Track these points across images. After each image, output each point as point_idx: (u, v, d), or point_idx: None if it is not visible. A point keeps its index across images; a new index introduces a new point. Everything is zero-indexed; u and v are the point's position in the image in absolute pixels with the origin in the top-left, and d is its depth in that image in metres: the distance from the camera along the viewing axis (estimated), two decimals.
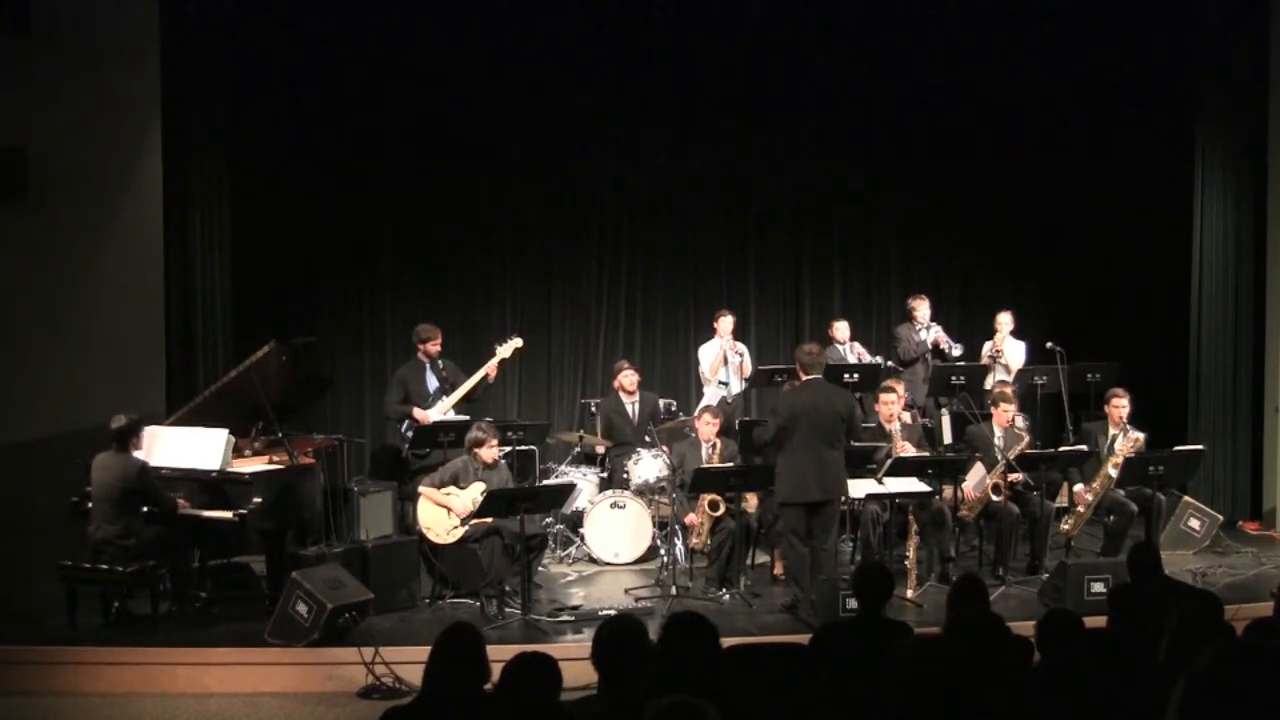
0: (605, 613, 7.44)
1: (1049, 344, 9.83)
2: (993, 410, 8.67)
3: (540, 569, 8.49)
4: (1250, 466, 10.29)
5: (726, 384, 9.93)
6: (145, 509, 7.42)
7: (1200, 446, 9.32)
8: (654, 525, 8.78)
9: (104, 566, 7.28)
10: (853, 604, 6.13)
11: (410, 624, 7.55)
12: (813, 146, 11.21)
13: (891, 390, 8.68)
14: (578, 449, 9.82)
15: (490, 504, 7.52)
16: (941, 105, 11.07)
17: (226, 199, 9.77)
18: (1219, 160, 10.31)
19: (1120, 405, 8.70)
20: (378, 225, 10.76)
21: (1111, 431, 8.73)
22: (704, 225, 11.34)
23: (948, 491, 8.36)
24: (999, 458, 8.35)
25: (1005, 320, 10.30)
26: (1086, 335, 10.32)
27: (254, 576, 8.14)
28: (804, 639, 5.21)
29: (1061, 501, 8.76)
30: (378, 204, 10.68)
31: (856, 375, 9.43)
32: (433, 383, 9.17)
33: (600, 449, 9.58)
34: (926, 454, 8.58)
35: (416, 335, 9.23)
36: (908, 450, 8.44)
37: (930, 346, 10.29)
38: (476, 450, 7.94)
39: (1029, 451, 8.45)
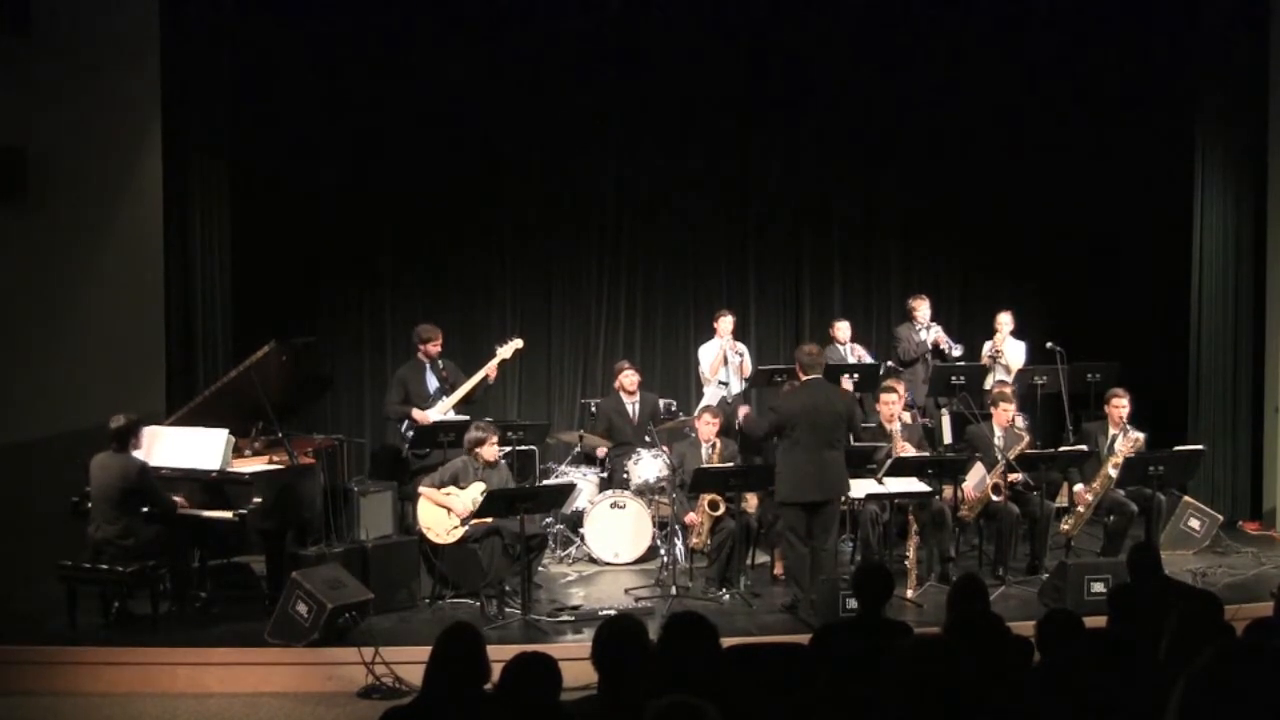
0: (605, 613, 7.44)
1: (1049, 344, 9.83)
2: (993, 410, 8.67)
3: (540, 569, 8.49)
4: (1250, 466, 10.30)
5: (726, 384, 9.93)
6: (145, 509, 7.41)
7: (1200, 446, 9.32)
8: (654, 525, 8.78)
9: (104, 566, 7.28)
10: (853, 604, 6.13)
11: (410, 624, 7.55)
12: (813, 146, 11.21)
13: (892, 390, 8.68)
14: (578, 449, 9.82)
15: (490, 504, 7.52)
16: (941, 105, 11.07)
17: (226, 199, 9.77)
18: (1219, 160, 10.31)
19: (1120, 405, 8.70)
20: (378, 225, 10.76)
21: (1111, 431, 8.74)
22: (704, 225, 11.34)
23: (948, 491, 8.37)
24: (999, 458, 8.35)
25: (1005, 320, 10.30)
26: (1086, 335, 10.32)
27: (254, 576, 8.14)
28: (804, 639, 5.21)
29: (1061, 501, 8.76)
30: (378, 204, 10.68)
31: (856, 375, 9.43)
32: (433, 383, 9.17)
33: (601, 450, 9.57)
34: (926, 454, 8.58)
35: (417, 335, 9.23)
36: (908, 450, 8.44)
37: (930, 346, 10.29)
38: (478, 449, 7.94)
39: (1029, 451, 8.45)
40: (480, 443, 7.95)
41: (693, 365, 10.57)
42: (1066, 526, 8.52)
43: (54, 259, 8.81)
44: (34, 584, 7.93)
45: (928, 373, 10.13)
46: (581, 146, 11.04)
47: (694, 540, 8.35)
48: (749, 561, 8.56)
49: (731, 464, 8.43)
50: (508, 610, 7.57)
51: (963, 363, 10.10)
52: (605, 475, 9.51)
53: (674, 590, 7.90)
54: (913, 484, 8.04)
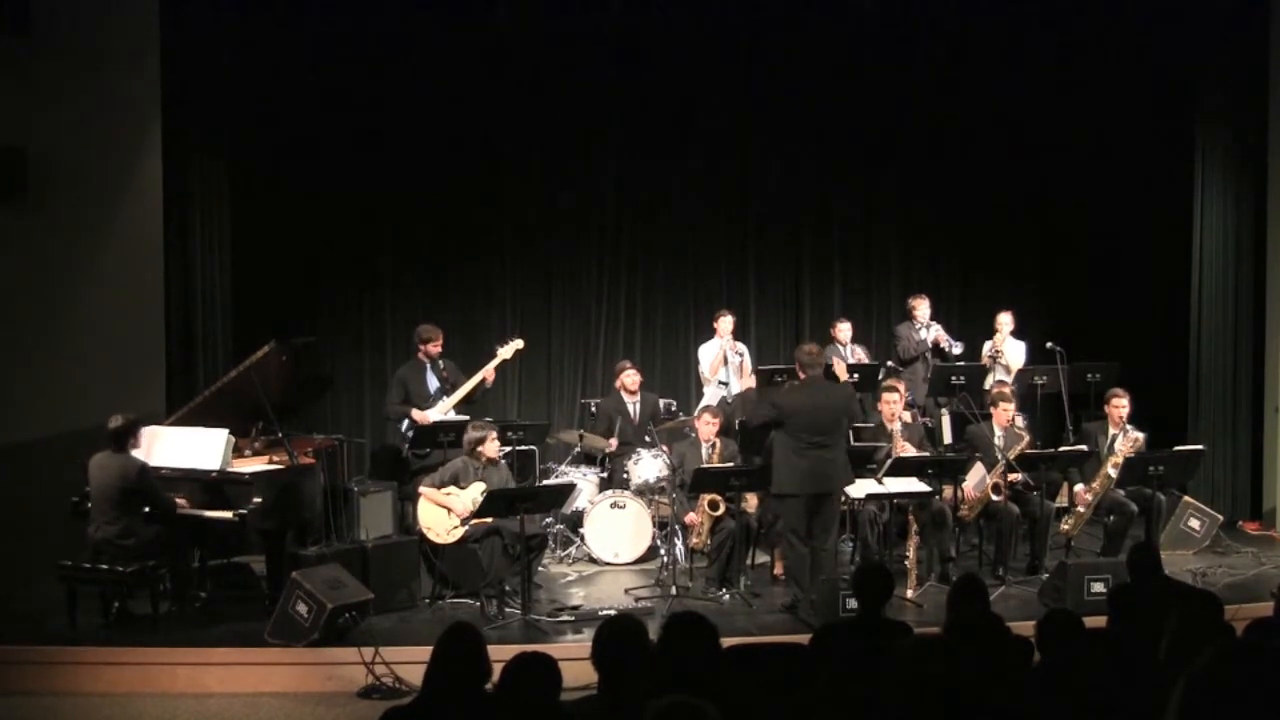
0: (605, 613, 7.44)
1: (1049, 344, 9.83)
2: (992, 410, 8.68)
3: (540, 569, 8.49)
4: (1250, 466, 10.29)
5: (726, 384, 9.93)
6: (145, 509, 7.41)
7: (1200, 446, 9.31)
8: (654, 525, 8.78)
9: (104, 566, 7.28)
10: (853, 604, 6.13)
11: (410, 624, 7.55)
12: (813, 147, 11.21)
13: (894, 390, 8.68)
14: (578, 449, 9.82)
15: (490, 504, 7.53)
16: (942, 105, 11.07)
17: (226, 199, 9.78)
18: (1219, 160, 10.31)
19: (1120, 405, 8.70)
20: (378, 225, 10.76)
21: (1111, 431, 8.74)
22: (704, 225, 11.34)
23: (948, 491, 8.37)
24: (999, 457, 8.35)
25: (1005, 320, 10.30)
26: (1086, 335, 10.32)
27: (254, 576, 8.14)
28: (804, 639, 5.21)
29: (1061, 501, 8.76)
30: (378, 204, 10.68)
31: (856, 375, 9.42)
32: (433, 383, 9.17)
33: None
34: (926, 454, 8.59)
35: (417, 336, 9.23)
36: (908, 450, 8.44)
37: (930, 345, 10.29)
38: (479, 449, 7.94)
39: (1029, 451, 8.45)
40: (480, 441, 7.95)
41: (693, 365, 10.57)
42: (1066, 526, 8.53)
43: (54, 259, 8.81)
44: (34, 584, 7.93)
45: (928, 372, 10.14)
46: (581, 147, 11.04)
47: (694, 540, 8.35)
48: (749, 561, 8.56)
49: (731, 464, 8.43)
50: (508, 610, 7.57)
51: (963, 363, 10.10)
52: (605, 475, 9.51)
53: (674, 590, 7.90)
54: (913, 484, 8.05)
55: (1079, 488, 8.52)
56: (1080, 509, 8.49)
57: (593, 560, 9.00)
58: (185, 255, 9.52)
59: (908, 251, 11.56)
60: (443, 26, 10.49)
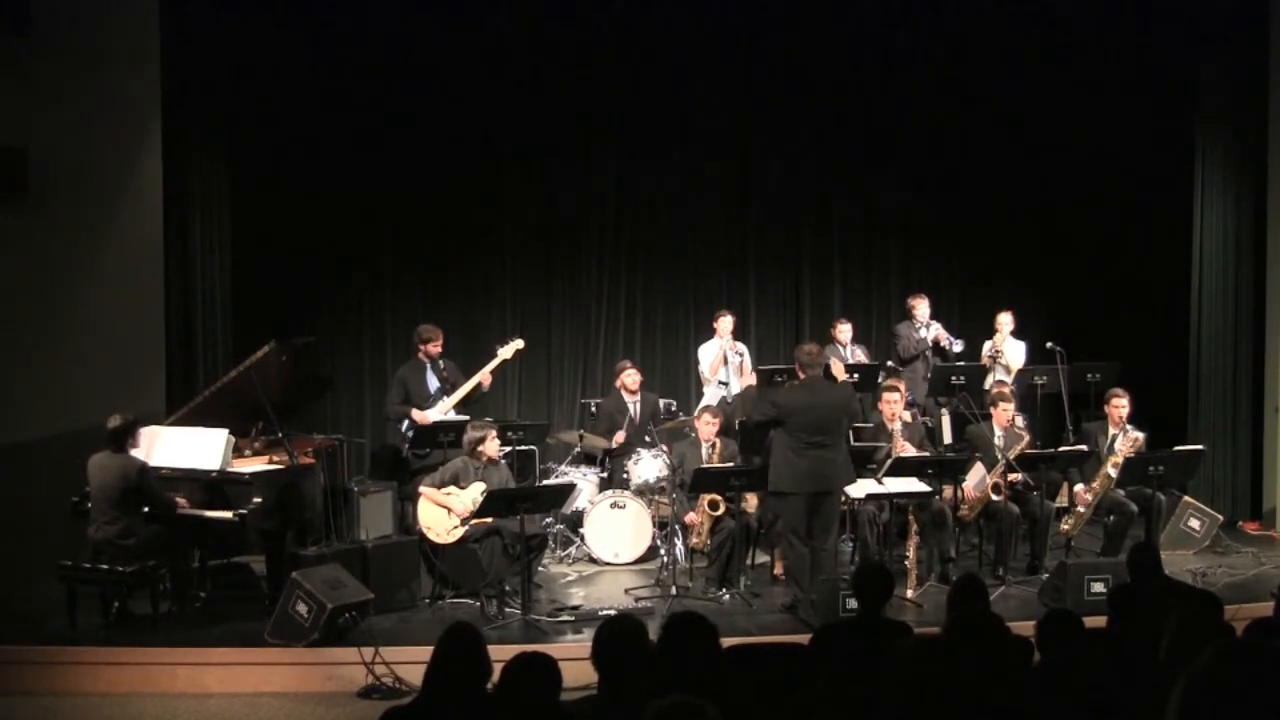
0: (605, 613, 7.44)
1: (1049, 344, 9.84)
2: (992, 410, 8.68)
3: (540, 569, 8.49)
4: (1250, 466, 10.30)
5: (726, 384, 9.93)
6: (145, 509, 7.41)
7: (1200, 446, 9.32)
8: (654, 525, 8.78)
9: (104, 566, 7.28)
10: (853, 604, 6.14)
11: (410, 624, 7.55)
12: (813, 146, 11.21)
13: (895, 389, 8.69)
14: (578, 449, 9.82)
15: (490, 504, 7.53)
16: (942, 105, 11.07)
17: (226, 199, 9.78)
18: (1219, 160, 10.31)
19: (1120, 405, 8.71)
20: (378, 225, 10.76)
21: (1111, 431, 8.74)
22: (704, 225, 11.34)
23: (948, 491, 8.37)
24: (999, 457, 8.35)
25: (1005, 320, 10.30)
26: (1086, 335, 10.33)
27: (254, 576, 8.14)
28: (804, 639, 5.21)
29: (1061, 501, 8.76)
30: (378, 204, 10.68)
31: (856, 375, 9.43)
32: (433, 383, 9.17)
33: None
34: (926, 454, 8.59)
35: (418, 336, 9.23)
36: (908, 450, 8.44)
37: (930, 344, 10.29)
38: (479, 448, 7.94)
39: (1029, 451, 8.45)
40: (481, 441, 7.95)
41: (693, 365, 10.57)
42: (1066, 526, 8.53)
43: (54, 259, 8.82)
44: (34, 584, 7.93)
45: (928, 371, 10.14)
46: (582, 147, 11.04)
47: (694, 540, 8.35)
48: (749, 561, 8.56)
49: (731, 464, 8.43)
50: (508, 610, 7.57)
51: (963, 363, 10.10)
52: (605, 475, 9.51)
53: (674, 590, 7.90)
54: (913, 484, 8.05)
55: (1079, 488, 8.52)
56: (1080, 509, 8.49)
57: (593, 560, 9.00)
58: (185, 255, 9.52)
59: (908, 251, 11.56)
60: (442, 26, 10.49)
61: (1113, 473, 8.35)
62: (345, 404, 10.67)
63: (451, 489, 7.90)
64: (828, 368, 8.37)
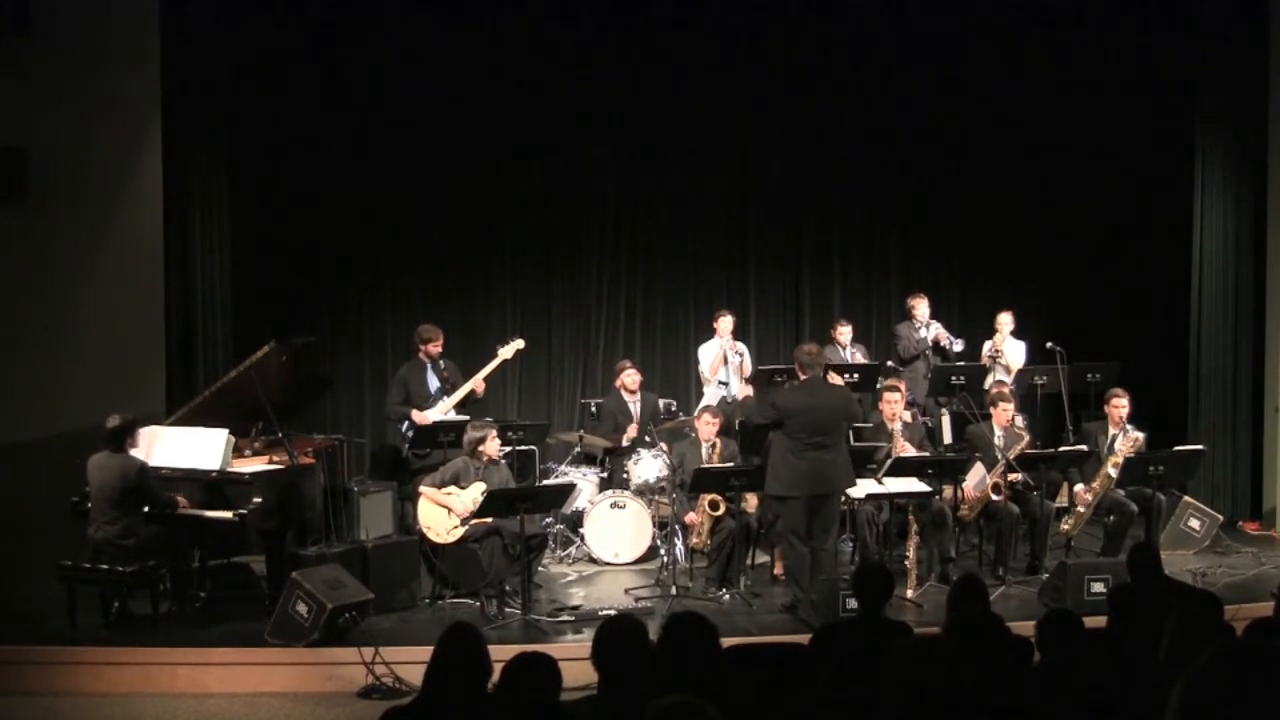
0: (605, 613, 7.44)
1: (1049, 344, 9.83)
2: (992, 410, 8.67)
3: (540, 569, 8.49)
4: (1250, 466, 10.29)
5: (726, 384, 9.93)
6: (145, 509, 7.41)
7: (1200, 446, 9.32)
8: (654, 525, 8.78)
9: (104, 566, 7.28)
10: (853, 604, 6.14)
11: (410, 624, 7.55)
12: (813, 147, 11.21)
13: (895, 389, 8.69)
14: (578, 449, 9.82)
15: (490, 504, 7.53)
16: (942, 105, 11.06)
17: (226, 199, 9.78)
18: (1219, 160, 10.31)
19: (1120, 405, 8.71)
20: (378, 225, 10.76)
21: (1111, 431, 8.74)
22: (704, 225, 11.34)
23: (948, 491, 8.37)
24: (999, 457, 8.35)
25: (1005, 320, 10.30)
26: (1086, 335, 10.32)
27: (254, 576, 8.14)
28: (804, 639, 5.21)
29: (1061, 501, 8.76)
30: (378, 204, 10.68)
31: (856, 375, 9.43)
32: (434, 383, 9.17)
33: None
34: (926, 454, 8.59)
35: (418, 336, 9.24)
36: (908, 450, 8.44)
37: (930, 344, 10.29)
38: (480, 448, 7.94)
39: (1029, 451, 8.45)
40: (481, 441, 7.95)
41: (693, 365, 10.57)
42: (1066, 526, 8.53)
43: (54, 259, 8.82)
44: (34, 584, 7.93)
45: (928, 370, 10.14)
46: (582, 146, 11.04)
47: (694, 540, 8.35)
48: (749, 561, 8.56)
49: (731, 464, 8.43)
50: (508, 610, 7.57)
51: (963, 363, 10.10)
52: (605, 475, 9.51)
53: (674, 590, 7.90)
54: (913, 484, 8.05)
55: (1079, 488, 8.52)
56: (1080, 509, 8.49)
57: (593, 560, 9.00)
58: (185, 255, 9.52)
59: (908, 251, 11.56)
60: (443, 26, 10.48)
61: (1113, 473, 8.35)
62: (345, 404, 10.67)
63: (452, 489, 7.90)
64: (829, 368, 8.38)
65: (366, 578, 7.55)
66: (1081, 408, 9.89)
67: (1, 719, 6.64)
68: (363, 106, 10.43)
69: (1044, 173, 11.06)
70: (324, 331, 10.29)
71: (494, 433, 8.07)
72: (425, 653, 3.88)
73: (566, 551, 9.18)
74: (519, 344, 9.33)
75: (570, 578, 8.73)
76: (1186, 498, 9.42)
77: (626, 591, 8.23)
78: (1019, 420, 9.02)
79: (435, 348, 9.16)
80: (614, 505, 8.94)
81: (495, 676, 3.81)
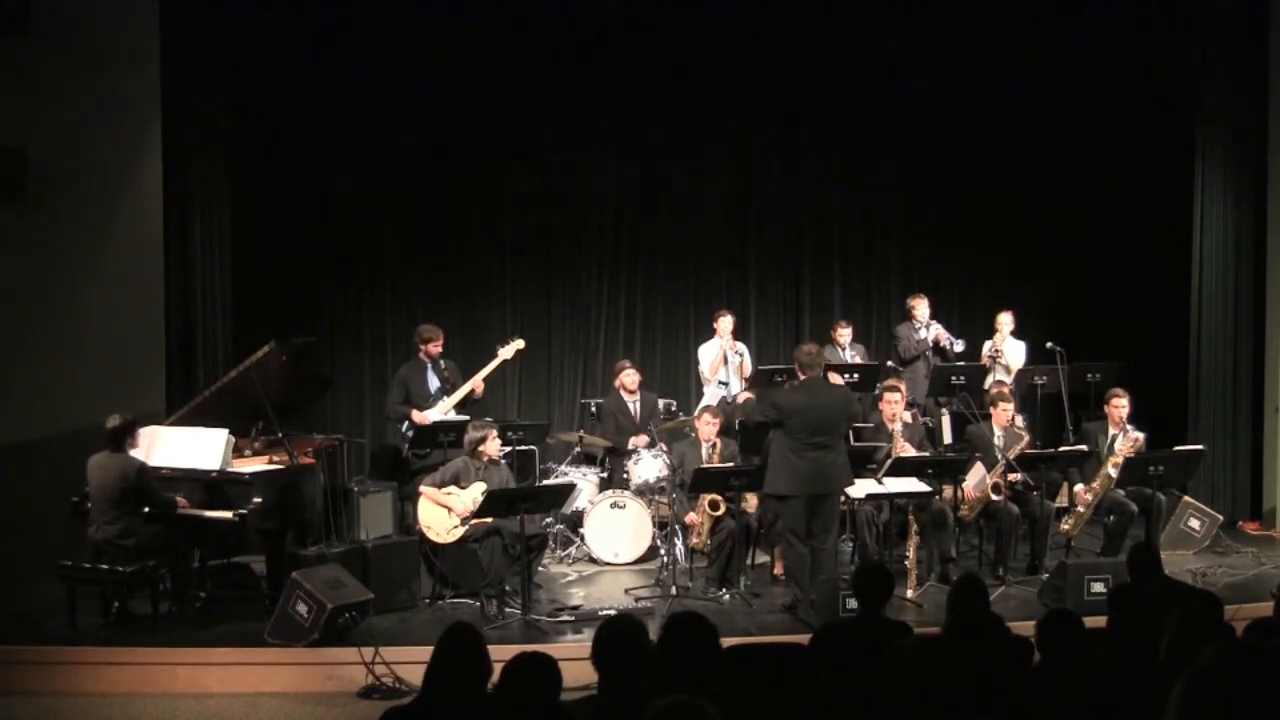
0: (605, 613, 7.44)
1: (1049, 344, 9.83)
2: (992, 410, 8.67)
3: (540, 569, 8.49)
4: (1250, 466, 10.29)
5: (726, 384, 9.93)
6: (145, 509, 7.41)
7: (1200, 446, 9.32)
8: (654, 525, 8.78)
9: (104, 566, 7.27)
10: (853, 604, 6.13)
11: (410, 624, 7.55)
12: (813, 146, 11.21)
13: (895, 389, 8.69)
14: (578, 449, 9.82)
15: (490, 504, 7.53)
16: (941, 106, 11.06)
17: (226, 199, 9.78)
18: (1219, 160, 10.30)
19: (1120, 405, 8.71)
20: (378, 225, 10.76)
21: (1111, 431, 8.74)
22: (704, 225, 11.33)
23: (948, 491, 8.37)
24: (999, 457, 8.35)
25: (1005, 320, 10.30)
26: (1086, 335, 10.32)
27: (254, 576, 8.14)
28: (804, 639, 5.21)
29: (1061, 501, 8.75)
30: (378, 204, 10.68)
31: (856, 375, 9.43)
32: (434, 383, 9.17)
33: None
34: (926, 454, 8.59)
35: (418, 335, 9.24)
36: (908, 450, 8.44)
37: (931, 344, 10.29)
38: (480, 448, 7.94)
39: (1029, 451, 8.45)
40: (482, 441, 7.95)
41: (693, 365, 10.57)
42: (1066, 526, 8.53)
43: (54, 259, 8.82)
44: (34, 584, 7.93)
45: (928, 370, 10.14)
46: (582, 147, 11.04)
47: (694, 540, 8.35)
48: (749, 561, 8.55)
49: (731, 464, 8.43)
50: (508, 610, 7.57)
51: (963, 363, 10.10)
52: (605, 475, 9.51)
53: (674, 590, 7.90)
54: (913, 484, 8.05)
55: (1079, 488, 8.52)
56: (1080, 509, 8.49)
57: (593, 560, 9.00)
58: (185, 255, 9.52)
59: (908, 251, 11.56)
60: (443, 26, 10.48)
61: (1113, 473, 8.35)
62: (345, 404, 10.68)
63: (452, 489, 7.90)
64: (829, 368, 8.38)
65: (366, 578, 7.55)
66: (1081, 408, 9.89)
67: (1, 719, 6.64)
68: (363, 106, 10.43)
69: (1044, 173, 11.07)
70: (324, 331, 10.30)
71: (495, 433, 8.07)
72: (425, 653, 3.88)
73: (566, 551, 9.18)
74: (519, 344, 9.33)
75: (570, 578, 8.73)
76: (1186, 498, 9.42)
77: (626, 591, 8.23)
78: (1019, 420, 9.02)
79: (435, 348, 9.16)
80: (614, 505, 8.94)
81: (495, 676, 3.81)
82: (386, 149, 10.55)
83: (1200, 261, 10.34)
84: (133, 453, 7.44)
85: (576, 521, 9.17)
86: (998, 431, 8.57)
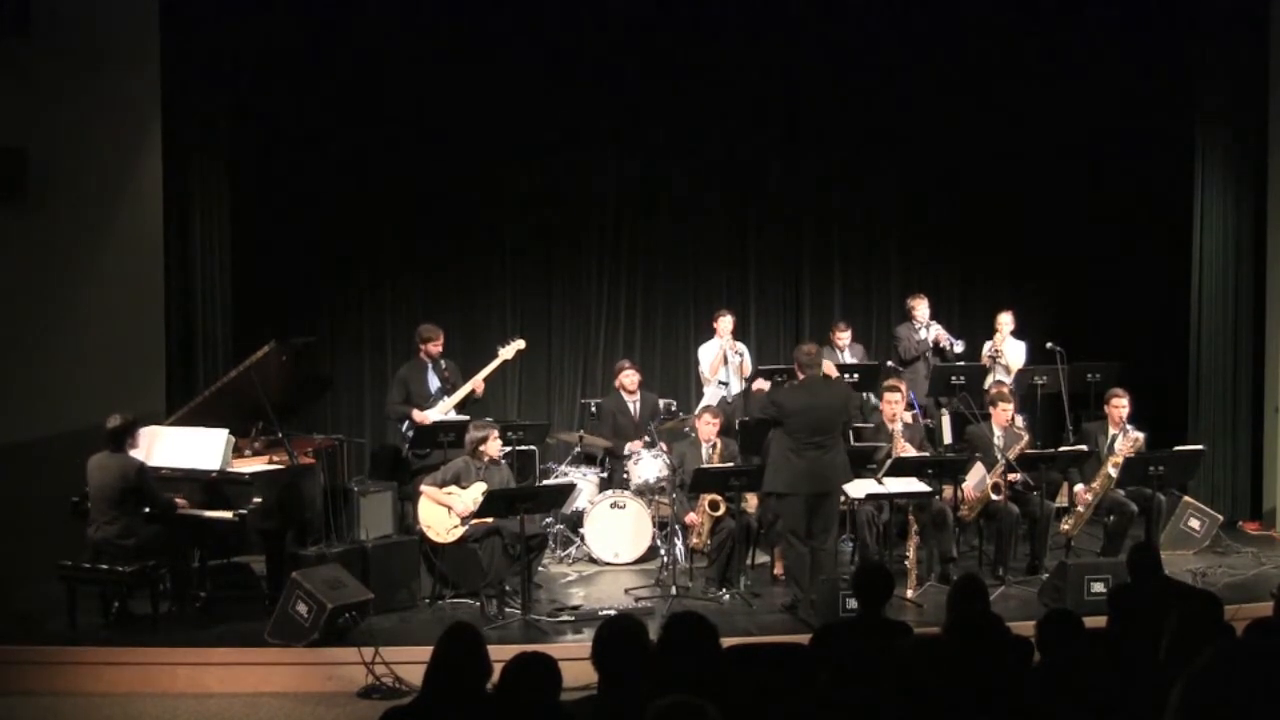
0: (605, 613, 7.44)
1: (1049, 344, 9.83)
2: (992, 410, 8.68)
3: (540, 569, 8.49)
4: (1250, 466, 10.29)
5: (726, 384, 9.93)
6: (145, 509, 7.41)
7: (1200, 446, 9.32)
8: (654, 525, 8.78)
9: (104, 566, 7.28)
10: (853, 604, 6.14)
11: (410, 624, 7.55)
12: (813, 147, 11.20)
13: (896, 389, 8.69)
14: (578, 449, 9.82)
15: (490, 504, 7.53)
16: (942, 105, 11.06)
17: (226, 199, 9.78)
18: (1219, 160, 10.30)
19: (1120, 405, 8.71)
20: (378, 225, 10.76)
21: (1111, 431, 8.74)
22: (704, 225, 11.33)
23: (948, 491, 8.37)
24: (999, 457, 8.35)
25: (1005, 320, 10.30)
26: (1086, 335, 10.32)
27: (254, 576, 8.14)
28: (804, 639, 5.21)
29: (1061, 501, 8.75)
30: (378, 204, 10.68)
31: (856, 375, 9.44)
32: (434, 383, 9.17)
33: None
34: (926, 454, 8.59)
35: (418, 335, 9.24)
36: (908, 450, 8.44)
37: (931, 345, 10.29)
38: (481, 448, 7.94)
39: (1029, 451, 8.45)
40: (483, 441, 7.96)
41: (693, 365, 10.57)
42: (1066, 526, 8.53)
43: (54, 259, 8.82)
44: (34, 584, 7.93)
45: (928, 371, 10.14)
46: (582, 146, 11.03)
47: (694, 540, 8.35)
48: (749, 561, 8.56)
49: (731, 464, 8.43)
50: (508, 610, 7.57)
51: (963, 363, 10.10)
52: (605, 475, 9.51)
53: (674, 590, 7.90)
54: (913, 484, 8.05)
55: (1079, 488, 8.52)
56: (1080, 509, 8.49)
57: (593, 560, 9.00)
58: (185, 255, 9.52)
59: (908, 251, 11.55)
60: (443, 26, 10.49)
61: (1113, 473, 8.35)
62: (345, 404, 10.67)
63: (452, 488, 7.90)
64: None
65: (366, 578, 7.55)
66: (1081, 408, 9.89)
67: (1, 719, 6.64)
68: (363, 106, 10.43)
69: (1044, 173, 11.06)
70: (324, 331, 10.29)
71: (496, 433, 8.07)
72: (425, 653, 3.88)
73: (566, 551, 9.18)
74: (519, 344, 9.33)
75: (570, 578, 8.73)
76: (1186, 498, 9.42)
77: (626, 591, 8.23)
78: (1019, 420, 9.02)
79: (435, 347, 9.16)
80: (614, 505, 8.94)
81: (495, 676, 3.81)
82: (386, 149, 10.55)
83: (1200, 261, 10.34)
84: (133, 453, 7.44)
85: (576, 521, 9.17)
86: (998, 431, 8.57)
